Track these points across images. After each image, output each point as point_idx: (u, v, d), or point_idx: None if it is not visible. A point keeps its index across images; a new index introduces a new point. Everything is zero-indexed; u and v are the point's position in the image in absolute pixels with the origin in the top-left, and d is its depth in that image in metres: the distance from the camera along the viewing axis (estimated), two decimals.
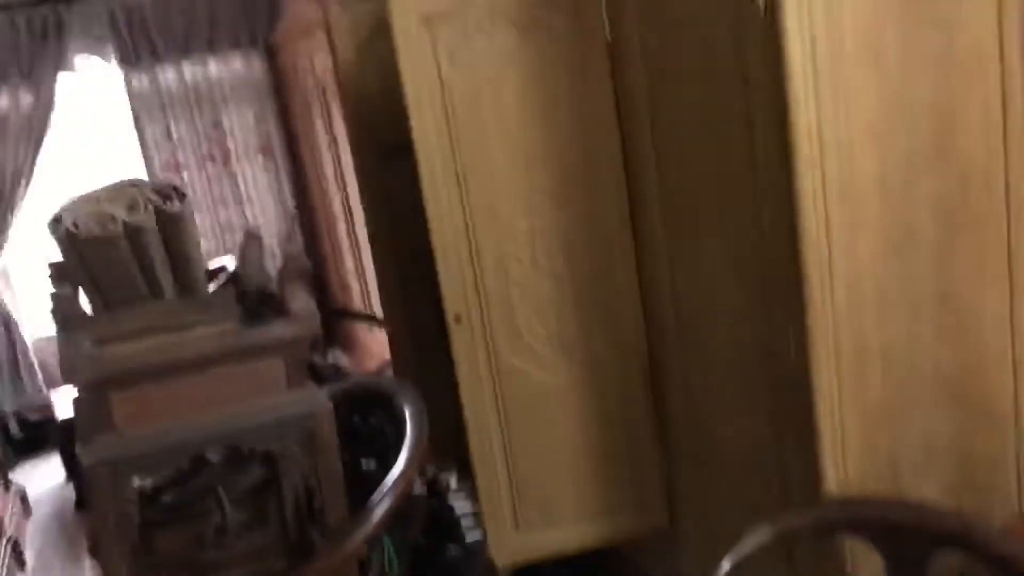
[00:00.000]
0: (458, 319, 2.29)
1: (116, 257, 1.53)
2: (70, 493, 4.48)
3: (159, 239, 1.55)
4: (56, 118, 4.84)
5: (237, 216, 5.30)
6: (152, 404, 1.44)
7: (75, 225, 1.46)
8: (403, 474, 1.46)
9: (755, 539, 1.61)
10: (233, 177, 5.27)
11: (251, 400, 1.49)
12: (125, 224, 1.47)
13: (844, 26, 1.72)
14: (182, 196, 1.55)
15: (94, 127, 5.20)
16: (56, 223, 1.46)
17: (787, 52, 1.66)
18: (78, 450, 1.43)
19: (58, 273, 1.66)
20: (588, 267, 2.31)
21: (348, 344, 5.00)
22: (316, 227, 5.33)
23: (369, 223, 3.07)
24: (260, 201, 5.35)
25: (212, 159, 5.22)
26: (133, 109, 4.97)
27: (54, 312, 1.43)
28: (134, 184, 1.53)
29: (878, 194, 1.83)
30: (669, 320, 2.25)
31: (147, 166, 5.07)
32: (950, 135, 1.87)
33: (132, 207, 1.49)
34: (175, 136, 5.08)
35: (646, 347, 2.37)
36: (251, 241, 1.70)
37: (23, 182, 4.80)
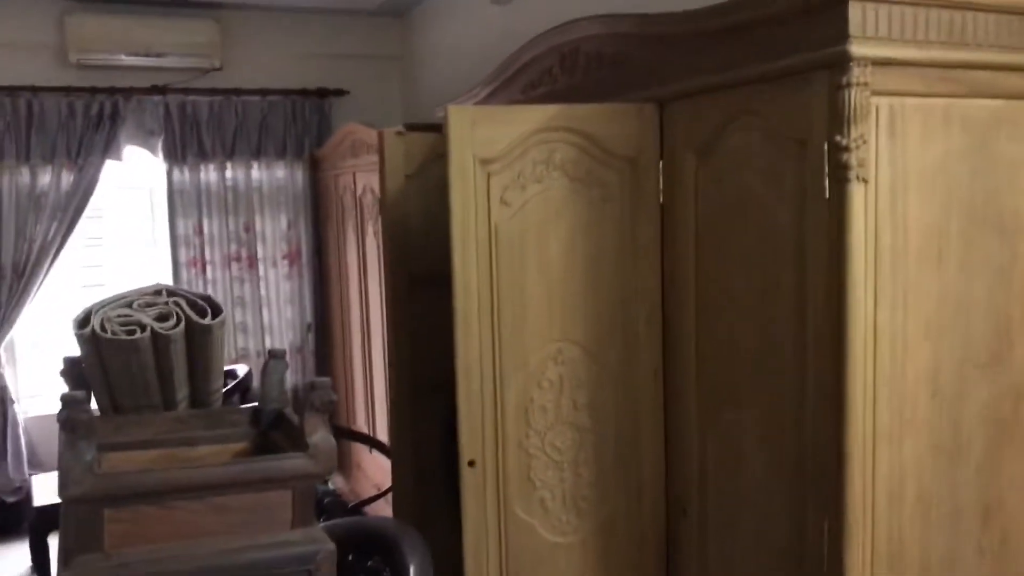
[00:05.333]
0: (472, 463, 2.19)
1: (137, 363, 1.47)
2: None
3: (184, 351, 1.49)
4: (94, 201, 4.89)
5: (253, 319, 5.27)
6: (146, 526, 1.34)
7: (103, 326, 1.40)
8: None
9: None
10: (256, 280, 5.26)
11: (252, 534, 1.39)
12: (154, 333, 1.41)
13: (908, 221, 1.70)
14: (217, 310, 1.50)
15: (130, 213, 5.26)
16: (84, 321, 1.41)
17: (850, 241, 1.64)
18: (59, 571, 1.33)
19: (71, 370, 1.59)
20: (614, 425, 2.23)
21: (345, 464, 4.85)
22: (331, 341, 5.28)
23: (391, 348, 3.01)
24: (279, 307, 5.32)
25: (238, 259, 5.23)
26: (170, 202, 5.03)
27: (61, 412, 1.35)
28: (171, 293, 1.48)
29: (928, 394, 1.77)
30: (692, 495, 2.15)
31: (173, 257, 5.08)
32: (1007, 344, 1.82)
33: (164, 317, 1.43)
34: (206, 232, 5.12)
35: (664, 518, 2.25)
36: (275, 361, 1.63)
37: (48, 258, 4.80)
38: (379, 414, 4.69)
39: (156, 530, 1.33)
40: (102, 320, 1.40)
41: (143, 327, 1.40)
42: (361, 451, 4.76)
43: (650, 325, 2.20)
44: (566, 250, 2.16)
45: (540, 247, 2.16)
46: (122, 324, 1.41)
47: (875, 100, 1.65)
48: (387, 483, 4.07)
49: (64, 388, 1.56)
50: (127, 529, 1.31)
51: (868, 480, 1.71)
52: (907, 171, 1.70)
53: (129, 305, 1.44)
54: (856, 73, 1.61)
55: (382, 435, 4.56)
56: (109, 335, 1.40)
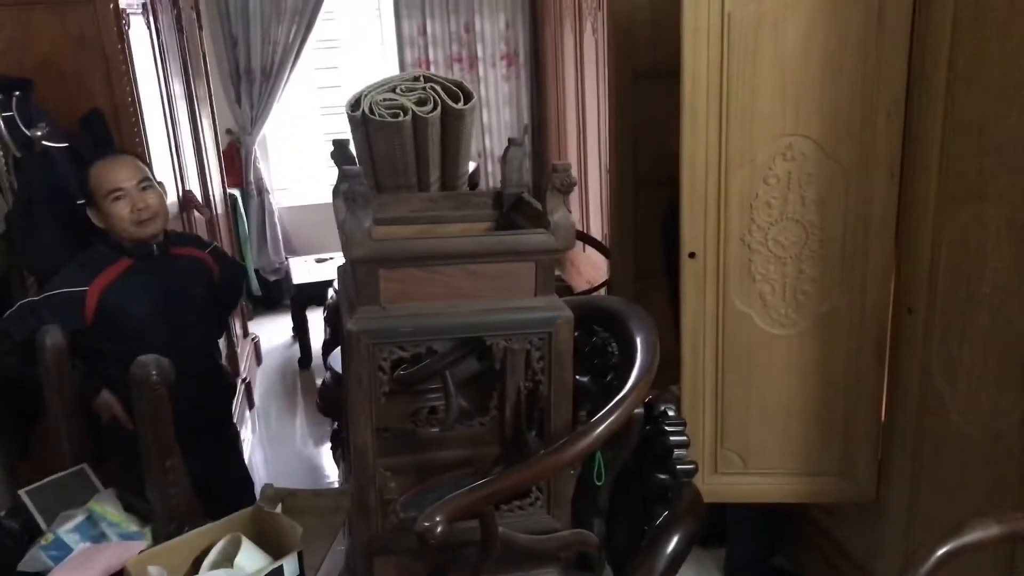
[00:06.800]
0: (692, 255, 2.26)
1: (399, 145, 1.63)
2: (295, 353, 4.92)
3: (439, 134, 1.63)
4: (327, 4, 5.13)
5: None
6: (414, 286, 1.54)
7: (371, 109, 1.56)
8: (631, 396, 1.48)
9: (979, 532, 1.49)
10: (476, 82, 5.41)
11: (500, 299, 1.56)
12: (414, 116, 1.56)
13: None
14: (469, 96, 1.61)
15: (359, 15, 5.48)
16: (355, 104, 1.57)
17: None
18: (344, 318, 1.55)
19: (339, 152, 1.78)
20: (841, 223, 2.20)
21: (559, 261, 5.09)
22: (547, 142, 5.40)
23: (613, 142, 3.07)
24: (497, 108, 5.48)
25: (459, 60, 5.38)
26: (395, 2, 5.18)
27: (342, 185, 1.54)
28: (428, 79, 1.61)
29: None
30: (920, 295, 2.11)
31: (399, 58, 5.30)
32: None
33: (422, 101, 1.57)
34: (428, 33, 5.27)
35: (888, 316, 2.24)
36: (515, 147, 1.75)
37: (291, 60, 5.17)
38: (592, 213, 4.83)
39: (421, 290, 1.52)
40: (371, 104, 1.56)
41: (405, 110, 1.54)
42: (574, 248, 4.97)
43: (891, 118, 2.09)
44: (804, 37, 2.07)
45: (775, 34, 2.08)
46: (387, 107, 1.56)
47: None
48: (599, 279, 4.26)
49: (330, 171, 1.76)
50: (398, 287, 1.51)
51: None
52: None
53: (393, 90, 1.58)
54: None
55: (595, 234, 4.73)
56: (377, 117, 1.56)
